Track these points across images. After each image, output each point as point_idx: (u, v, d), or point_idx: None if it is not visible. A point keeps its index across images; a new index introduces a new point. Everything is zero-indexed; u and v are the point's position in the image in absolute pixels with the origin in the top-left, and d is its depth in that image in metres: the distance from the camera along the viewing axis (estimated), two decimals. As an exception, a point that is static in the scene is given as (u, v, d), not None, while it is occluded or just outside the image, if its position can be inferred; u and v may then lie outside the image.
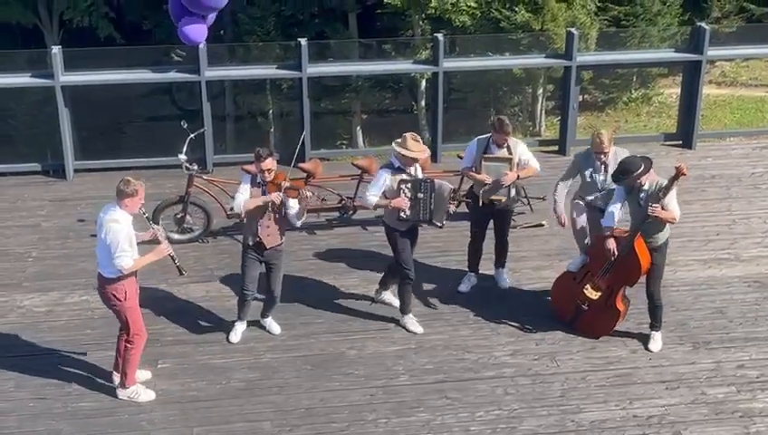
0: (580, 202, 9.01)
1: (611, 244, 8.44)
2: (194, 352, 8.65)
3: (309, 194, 8.33)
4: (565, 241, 10.20)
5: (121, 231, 7.50)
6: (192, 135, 10.55)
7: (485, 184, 8.98)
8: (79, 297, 9.49)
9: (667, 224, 8.41)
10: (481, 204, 9.12)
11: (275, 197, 8.19)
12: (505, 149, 9.03)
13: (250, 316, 8.89)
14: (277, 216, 8.31)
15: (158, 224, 8.91)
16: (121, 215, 7.55)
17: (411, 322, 9.00)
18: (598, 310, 8.75)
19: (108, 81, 12.50)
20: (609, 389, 8.26)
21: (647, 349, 8.71)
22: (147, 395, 8.07)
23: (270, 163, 8.17)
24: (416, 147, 8.48)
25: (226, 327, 8.97)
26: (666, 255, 8.64)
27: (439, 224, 8.65)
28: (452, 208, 8.74)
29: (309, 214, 9.93)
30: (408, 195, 8.50)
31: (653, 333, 8.78)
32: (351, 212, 10.84)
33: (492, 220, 9.36)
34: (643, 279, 8.61)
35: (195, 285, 9.59)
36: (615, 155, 8.72)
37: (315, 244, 10.50)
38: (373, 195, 8.58)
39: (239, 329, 8.79)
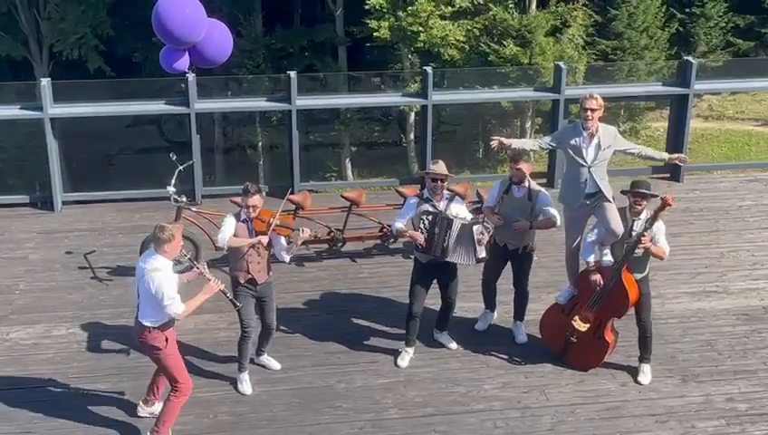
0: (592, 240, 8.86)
1: (596, 277, 8.45)
2: (181, 386, 8.58)
3: (308, 231, 8.30)
4: (553, 273, 10.20)
5: (165, 279, 7.40)
6: (181, 167, 10.54)
7: (498, 225, 8.88)
8: (66, 330, 9.43)
9: (650, 256, 8.44)
10: (494, 243, 9.04)
11: (263, 239, 8.19)
12: (526, 191, 8.88)
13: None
14: (266, 251, 8.30)
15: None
16: (161, 262, 7.43)
17: (401, 355, 8.99)
18: (587, 342, 8.73)
19: (97, 113, 12.50)
20: (599, 422, 8.23)
21: (636, 382, 8.69)
22: None
23: (256, 200, 8.13)
24: (438, 167, 8.59)
25: (214, 360, 8.92)
26: (649, 283, 8.65)
27: (456, 261, 8.59)
28: (486, 238, 8.58)
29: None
30: (426, 227, 8.54)
31: (642, 365, 8.77)
32: (340, 244, 10.83)
33: (510, 265, 9.20)
34: (632, 311, 8.61)
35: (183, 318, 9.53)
36: (605, 131, 8.63)
37: (304, 276, 10.48)
38: (398, 222, 8.73)
39: (247, 378, 8.61)
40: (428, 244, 8.56)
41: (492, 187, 9.24)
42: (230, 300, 7.90)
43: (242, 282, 8.28)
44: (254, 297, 8.38)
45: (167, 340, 7.59)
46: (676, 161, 9.24)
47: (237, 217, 8.24)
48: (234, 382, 8.59)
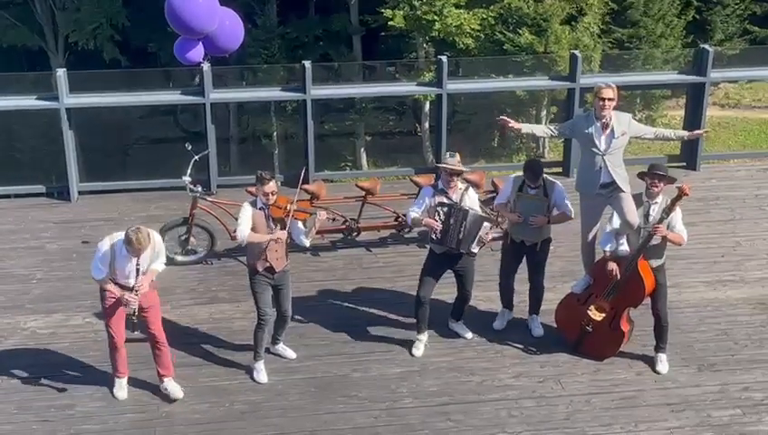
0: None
1: (613, 266, 8.43)
2: (197, 375, 8.63)
3: (325, 214, 8.43)
4: (569, 263, 10.18)
5: (104, 247, 7.85)
6: (196, 157, 10.56)
7: (517, 222, 8.87)
8: (82, 319, 9.48)
9: (667, 243, 8.41)
10: (510, 241, 9.06)
11: (282, 235, 8.23)
12: (540, 190, 8.84)
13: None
14: (287, 239, 8.34)
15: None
16: (119, 240, 7.79)
17: (415, 344, 9.00)
18: (602, 332, 8.72)
19: (112, 103, 12.55)
20: (615, 411, 8.22)
21: (655, 371, 8.66)
22: (119, 393, 8.32)
23: (273, 186, 8.18)
24: (452, 161, 8.58)
25: (230, 349, 8.96)
26: (665, 273, 8.63)
27: (464, 251, 8.62)
28: (489, 237, 8.67)
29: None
30: (442, 218, 8.54)
31: (659, 355, 8.74)
32: (355, 234, 10.84)
33: (525, 260, 9.15)
34: (647, 300, 8.59)
35: (198, 307, 9.58)
36: (618, 119, 8.58)
37: (319, 265, 10.49)
38: (413, 211, 8.73)
39: (263, 367, 8.65)
40: (444, 235, 8.56)
41: (504, 183, 9.22)
42: (130, 320, 7.99)
43: (260, 270, 8.31)
44: (271, 285, 8.41)
45: (102, 295, 8.05)
46: (697, 136, 9.17)
47: (254, 204, 8.26)
48: (249, 371, 8.63)
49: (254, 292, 8.43)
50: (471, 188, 8.83)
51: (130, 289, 7.89)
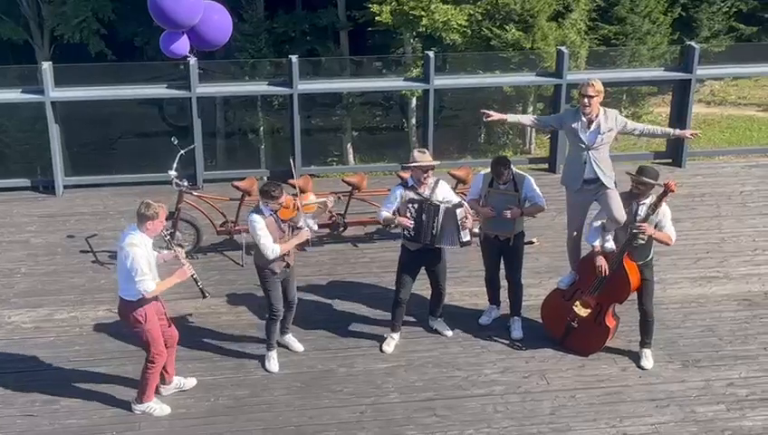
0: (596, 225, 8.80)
1: (601, 261, 8.44)
2: (183, 369, 8.59)
3: (331, 198, 8.94)
4: (555, 259, 10.20)
5: (141, 255, 7.47)
6: (182, 151, 10.54)
7: (490, 217, 8.87)
8: (67, 314, 9.45)
9: (654, 241, 8.43)
10: (484, 237, 9.06)
11: (306, 235, 8.36)
12: (510, 185, 8.86)
13: (243, 331, 8.87)
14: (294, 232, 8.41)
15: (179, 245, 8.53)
16: (140, 238, 7.52)
17: (387, 340, 8.99)
18: (587, 327, 8.74)
19: (98, 96, 12.49)
20: (599, 407, 8.24)
21: (640, 366, 8.69)
22: (162, 410, 8.04)
23: (284, 199, 8.20)
24: (420, 157, 8.52)
25: (215, 344, 8.95)
26: (653, 269, 8.65)
27: (447, 245, 8.61)
28: (469, 222, 8.58)
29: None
30: (414, 215, 8.52)
31: (644, 350, 8.77)
32: (342, 229, 10.83)
33: (502, 257, 9.15)
34: (633, 296, 8.62)
35: (184, 302, 9.54)
36: (605, 115, 8.60)
37: (306, 260, 10.47)
38: (384, 210, 8.68)
39: (275, 356, 8.67)
40: (417, 231, 8.54)
41: (474, 180, 9.21)
42: (200, 289, 7.94)
43: (278, 272, 8.33)
44: (279, 280, 8.45)
45: (146, 315, 7.67)
46: (687, 135, 9.21)
47: (262, 213, 8.19)
48: (235, 368, 8.62)
49: (266, 290, 8.44)
50: (441, 181, 8.76)
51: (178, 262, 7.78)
